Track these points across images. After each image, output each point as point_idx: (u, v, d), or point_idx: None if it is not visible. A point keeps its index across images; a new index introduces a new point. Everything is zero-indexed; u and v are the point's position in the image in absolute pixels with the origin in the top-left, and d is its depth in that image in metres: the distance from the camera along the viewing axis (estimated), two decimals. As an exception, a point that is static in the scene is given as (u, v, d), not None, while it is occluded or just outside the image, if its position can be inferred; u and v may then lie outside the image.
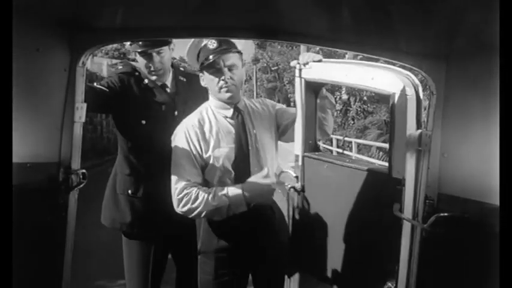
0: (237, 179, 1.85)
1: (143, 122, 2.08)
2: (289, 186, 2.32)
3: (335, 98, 17.98)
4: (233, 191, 1.79)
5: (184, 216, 1.84)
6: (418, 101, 1.78)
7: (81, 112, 1.59)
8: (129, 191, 2.11)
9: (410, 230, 1.66)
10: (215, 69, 1.81)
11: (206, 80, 1.87)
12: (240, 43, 2.10)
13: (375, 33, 1.54)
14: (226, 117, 1.89)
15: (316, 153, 2.36)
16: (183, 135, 1.85)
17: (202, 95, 2.08)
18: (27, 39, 1.31)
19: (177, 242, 2.23)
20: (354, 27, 1.52)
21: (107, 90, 2.04)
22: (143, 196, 2.12)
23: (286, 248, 2.11)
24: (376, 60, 2.02)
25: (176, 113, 2.12)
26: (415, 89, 1.79)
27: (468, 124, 1.44)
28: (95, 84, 2.07)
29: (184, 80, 2.24)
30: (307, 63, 2.07)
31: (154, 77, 2.11)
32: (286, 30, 1.60)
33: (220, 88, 1.82)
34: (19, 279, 1.12)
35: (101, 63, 23.28)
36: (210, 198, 1.77)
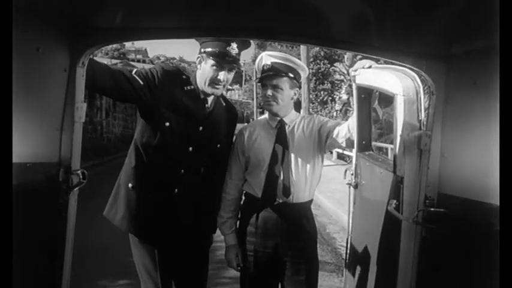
0: (267, 184, 2.11)
1: (167, 124, 2.03)
2: (347, 182, 2.54)
3: (335, 98, 18.00)
4: (228, 240, 2.21)
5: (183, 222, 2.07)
6: (419, 101, 1.79)
7: (81, 112, 1.59)
8: (129, 184, 2.08)
9: (409, 229, 1.66)
10: (262, 85, 2.18)
11: (260, 92, 2.24)
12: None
13: (375, 33, 1.54)
14: (271, 126, 2.21)
15: (367, 152, 2.38)
16: (234, 138, 2.27)
17: (231, 123, 2.29)
18: (27, 39, 1.31)
19: (179, 248, 2.16)
20: (354, 27, 1.52)
21: (141, 82, 1.96)
22: (142, 192, 2.07)
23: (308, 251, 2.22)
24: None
25: (201, 128, 2.10)
26: (416, 90, 1.80)
27: (468, 124, 1.44)
28: (132, 72, 1.99)
29: (224, 104, 2.25)
30: (356, 70, 2.20)
31: (212, 91, 2.08)
32: (286, 30, 1.60)
33: (264, 101, 2.18)
34: (19, 279, 1.12)
35: (100, 63, 23.20)
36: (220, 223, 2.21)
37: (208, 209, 2.18)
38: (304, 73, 2.19)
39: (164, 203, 2.05)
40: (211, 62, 2.04)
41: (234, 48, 2.02)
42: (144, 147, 2.07)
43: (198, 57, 2.09)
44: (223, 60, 2.02)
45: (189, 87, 2.10)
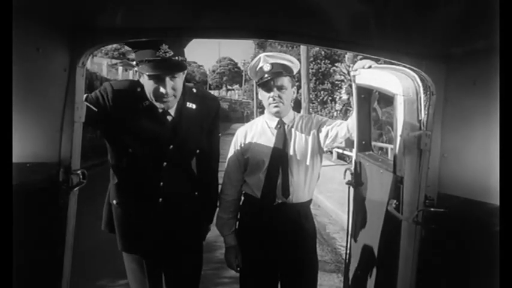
0: (266, 185, 2.11)
1: (130, 150, 1.85)
2: (346, 182, 2.52)
3: (335, 98, 17.98)
4: (228, 241, 2.20)
5: (169, 234, 1.99)
6: (419, 101, 1.79)
7: (81, 112, 1.59)
8: (114, 201, 1.98)
9: (409, 229, 1.66)
10: (267, 88, 2.13)
11: (261, 95, 2.19)
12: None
13: (375, 33, 1.54)
14: (270, 127, 2.19)
15: (367, 152, 2.38)
16: (233, 140, 2.24)
17: (210, 120, 2.02)
18: (27, 39, 1.31)
19: (166, 260, 2.08)
20: (354, 27, 1.52)
21: (94, 109, 1.76)
22: (125, 209, 1.98)
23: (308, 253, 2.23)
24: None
25: (171, 146, 1.89)
26: (416, 90, 1.80)
27: (468, 124, 1.44)
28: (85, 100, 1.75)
29: (194, 106, 1.95)
30: (356, 70, 2.18)
31: (162, 105, 1.83)
32: (286, 30, 1.60)
33: (269, 104, 2.14)
34: (19, 279, 1.12)
35: (101, 63, 23.27)
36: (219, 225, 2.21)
37: (200, 208, 2.09)
38: (296, 68, 2.20)
39: (150, 213, 1.96)
40: (146, 75, 1.78)
41: (165, 50, 1.73)
42: (114, 168, 1.96)
43: (136, 71, 1.85)
44: (157, 69, 1.74)
45: (146, 103, 1.85)
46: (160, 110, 1.88)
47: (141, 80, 1.84)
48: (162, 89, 1.78)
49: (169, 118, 1.91)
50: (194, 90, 2.02)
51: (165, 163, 1.92)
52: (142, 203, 1.96)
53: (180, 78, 1.84)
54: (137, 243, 2.00)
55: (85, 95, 1.77)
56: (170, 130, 1.91)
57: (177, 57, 1.77)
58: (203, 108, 1.99)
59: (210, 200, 2.17)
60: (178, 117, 1.92)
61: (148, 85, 1.80)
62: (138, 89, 1.86)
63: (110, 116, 1.82)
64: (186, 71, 1.88)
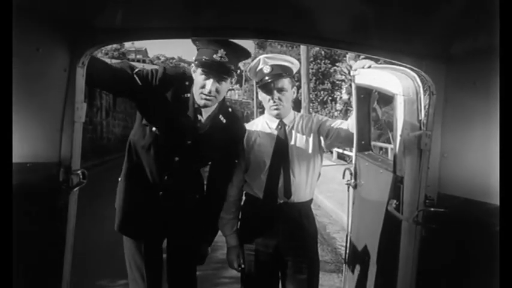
0: (268, 185, 2.12)
1: (153, 128, 1.98)
2: (346, 182, 2.51)
3: (335, 98, 17.98)
4: (229, 241, 2.21)
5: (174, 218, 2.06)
6: (419, 101, 1.79)
7: (81, 112, 1.59)
8: (119, 179, 2.09)
9: (409, 229, 1.67)
10: (267, 90, 2.13)
11: (261, 97, 2.19)
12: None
13: (375, 33, 1.54)
14: (271, 128, 2.19)
15: (366, 152, 2.38)
16: None
17: (231, 142, 2.10)
18: (27, 39, 1.31)
19: (169, 246, 2.17)
20: (354, 28, 1.52)
21: (139, 83, 1.92)
22: (129, 188, 2.07)
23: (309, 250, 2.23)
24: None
25: (189, 142, 2.00)
26: (416, 90, 1.80)
27: (468, 124, 1.45)
28: (134, 71, 1.94)
29: (224, 121, 2.08)
30: (355, 69, 2.18)
31: (202, 102, 1.95)
32: (286, 30, 1.60)
33: (270, 106, 2.14)
34: (19, 279, 1.12)
35: (100, 63, 23.22)
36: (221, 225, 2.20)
37: (199, 216, 2.13)
38: (296, 68, 2.20)
39: (147, 202, 2.04)
40: (199, 70, 1.94)
41: (222, 55, 1.89)
42: (133, 144, 2.06)
43: (192, 66, 2.01)
44: (209, 68, 1.91)
45: (185, 95, 2.00)
46: (196, 106, 2.00)
47: (194, 75, 1.99)
48: (207, 86, 1.92)
49: (199, 117, 2.02)
50: (230, 109, 2.15)
51: (177, 158, 2.01)
52: (143, 190, 2.04)
53: (226, 84, 1.97)
54: (130, 225, 2.07)
55: (136, 69, 1.95)
56: (193, 127, 2.01)
57: (230, 65, 1.92)
58: (231, 127, 2.10)
59: (212, 215, 2.19)
60: (207, 123, 2.04)
61: (198, 80, 1.96)
62: (186, 83, 2.02)
63: (152, 93, 1.95)
64: (233, 82, 2.03)
